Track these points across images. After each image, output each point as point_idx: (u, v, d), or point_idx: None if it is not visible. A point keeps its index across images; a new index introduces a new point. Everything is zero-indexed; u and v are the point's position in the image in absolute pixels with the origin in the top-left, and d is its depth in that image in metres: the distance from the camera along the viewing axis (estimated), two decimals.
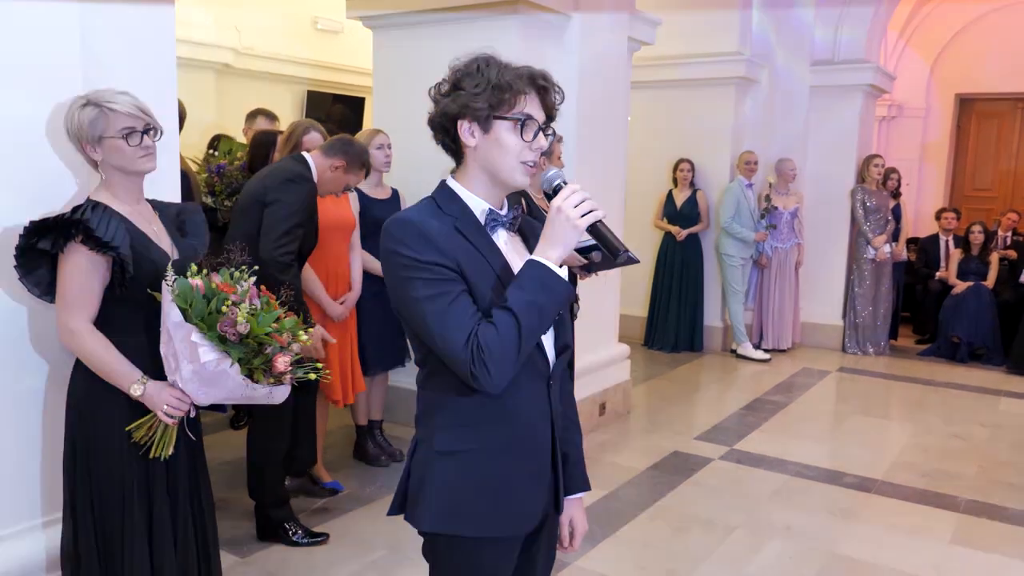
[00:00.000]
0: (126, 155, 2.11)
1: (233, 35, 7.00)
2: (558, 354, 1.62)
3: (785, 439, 4.88)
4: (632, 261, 3.76)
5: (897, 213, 7.36)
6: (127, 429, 2.08)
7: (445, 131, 1.54)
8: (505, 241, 1.57)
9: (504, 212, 1.58)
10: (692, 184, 6.90)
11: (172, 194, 2.66)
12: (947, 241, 7.90)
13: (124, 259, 2.05)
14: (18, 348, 2.29)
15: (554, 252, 1.45)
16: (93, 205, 2.08)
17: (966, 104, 9.97)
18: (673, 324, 6.99)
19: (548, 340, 1.59)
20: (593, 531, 3.53)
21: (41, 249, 2.06)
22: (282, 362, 2.04)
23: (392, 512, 1.65)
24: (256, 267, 2.14)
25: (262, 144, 3.79)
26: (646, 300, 7.21)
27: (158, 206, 2.29)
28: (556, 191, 1.51)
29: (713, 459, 4.48)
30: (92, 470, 2.11)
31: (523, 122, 1.48)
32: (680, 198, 6.92)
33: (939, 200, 9.69)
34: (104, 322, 2.10)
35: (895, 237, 7.33)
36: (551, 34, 4.46)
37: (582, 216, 1.44)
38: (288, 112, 7.37)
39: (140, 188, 2.21)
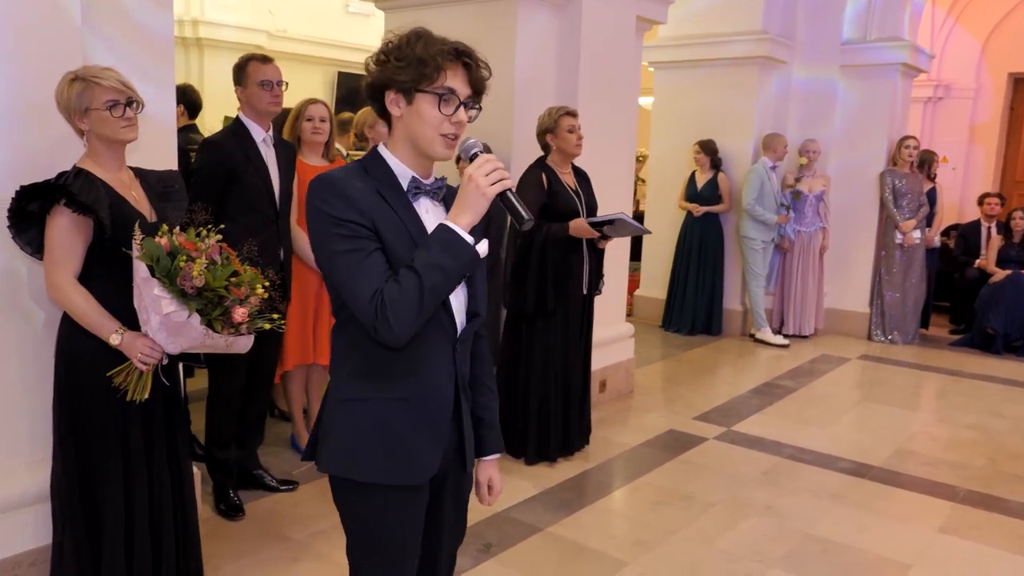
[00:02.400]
0: (110, 125, 2.29)
1: (267, 18, 7.24)
2: (468, 320, 1.69)
3: (786, 423, 4.88)
4: (641, 230, 3.93)
5: (932, 197, 7.15)
6: (108, 375, 2.28)
7: (375, 100, 1.63)
8: (427, 209, 1.64)
9: (429, 181, 1.65)
10: (714, 166, 6.86)
11: (168, 164, 2.84)
12: (989, 228, 7.63)
13: (103, 221, 2.23)
14: (15, 302, 2.50)
15: (464, 218, 1.53)
16: (76, 172, 2.27)
17: (1020, 84, 9.56)
18: (691, 306, 6.99)
19: (459, 306, 1.66)
20: (570, 500, 3.64)
21: (31, 211, 2.26)
22: (240, 313, 2.20)
23: (305, 457, 1.75)
24: (223, 226, 2.30)
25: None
26: (666, 282, 7.22)
27: (140, 173, 2.48)
28: (472, 160, 1.58)
29: (708, 439, 4.53)
30: (75, 411, 2.33)
31: (442, 96, 1.55)
32: (701, 180, 6.89)
33: (987, 185, 9.32)
34: (87, 277, 2.30)
35: (928, 222, 7.14)
36: (556, 14, 4.53)
37: (491, 185, 1.52)
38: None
39: (122, 156, 2.40)
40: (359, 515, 1.68)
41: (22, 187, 2.26)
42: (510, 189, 1.56)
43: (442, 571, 1.85)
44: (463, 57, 1.58)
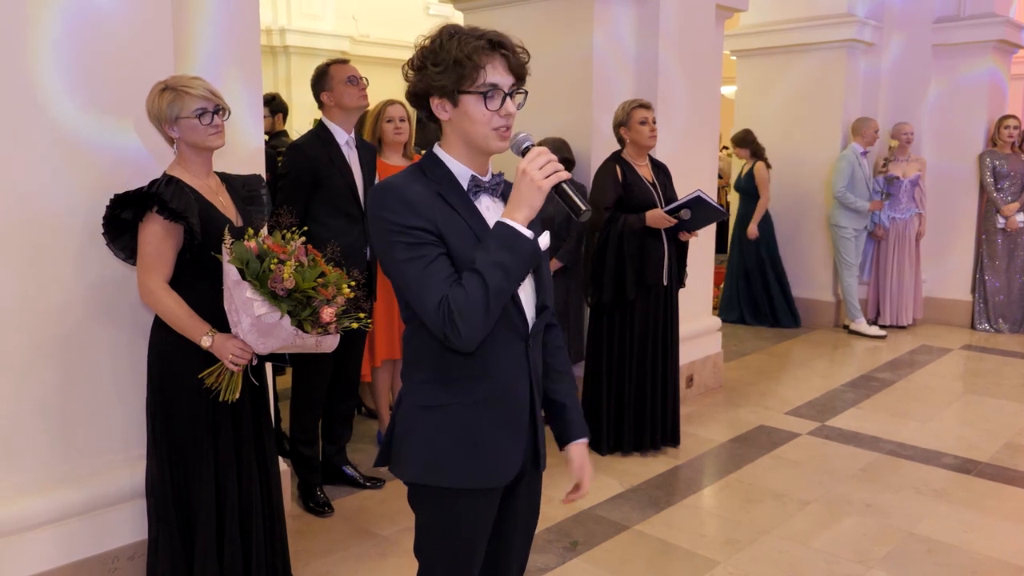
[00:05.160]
0: (199, 133, 2.36)
1: (350, 24, 7.42)
2: (538, 313, 1.68)
3: (885, 417, 4.66)
4: (719, 210, 3.91)
5: None
6: (200, 376, 2.35)
7: (421, 105, 1.62)
8: (488, 207, 1.64)
9: (487, 178, 1.65)
10: (755, 155, 6.63)
11: (254, 169, 2.91)
12: None
13: (193, 227, 2.30)
14: (109, 308, 2.60)
15: (520, 213, 1.51)
16: (167, 179, 2.34)
17: None
18: (754, 297, 6.86)
19: (527, 300, 1.66)
20: (658, 498, 3.57)
21: (124, 219, 2.35)
22: (328, 313, 2.23)
23: (378, 463, 1.76)
24: (306, 228, 2.34)
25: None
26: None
27: (225, 178, 2.55)
28: (524, 154, 1.57)
29: (800, 434, 4.36)
30: (168, 411, 2.40)
31: (486, 93, 1.54)
32: (745, 171, 6.77)
33: None
34: (178, 282, 2.37)
35: None
36: (633, 6, 4.46)
37: (546, 177, 1.49)
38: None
39: (209, 163, 2.47)
40: (437, 519, 1.68)
41: (116, 195, 2.34)
42: (565, 181, 1.53)
43: (513, 571, 1.83)
44: (499, 48, 1.55)
